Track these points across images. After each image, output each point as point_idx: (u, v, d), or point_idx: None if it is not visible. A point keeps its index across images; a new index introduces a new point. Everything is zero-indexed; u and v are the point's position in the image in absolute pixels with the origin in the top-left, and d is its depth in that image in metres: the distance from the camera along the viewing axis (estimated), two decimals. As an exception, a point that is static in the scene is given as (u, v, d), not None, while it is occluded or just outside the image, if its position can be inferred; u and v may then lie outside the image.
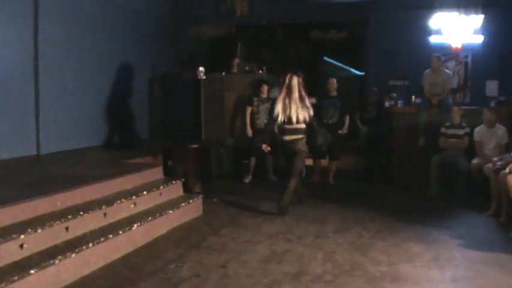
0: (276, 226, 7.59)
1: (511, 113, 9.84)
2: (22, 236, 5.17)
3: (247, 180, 10.95)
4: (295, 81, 8.39)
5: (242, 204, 8.95)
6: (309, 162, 11.39)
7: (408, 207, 9.08)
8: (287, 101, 8.36)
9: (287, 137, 8.41)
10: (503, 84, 11.89)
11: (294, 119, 8.33)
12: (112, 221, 6.55)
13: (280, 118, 8.38)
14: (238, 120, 11.21)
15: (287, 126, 8.38)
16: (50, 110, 9.30)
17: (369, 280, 5.57)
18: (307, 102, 8.46)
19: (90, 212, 6.23)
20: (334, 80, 10.84)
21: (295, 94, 8.35)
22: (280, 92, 8.58)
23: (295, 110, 8.34)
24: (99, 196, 6.83)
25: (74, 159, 9.30)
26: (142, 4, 12.27)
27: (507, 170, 7.57)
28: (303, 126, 8.43)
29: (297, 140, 8.37)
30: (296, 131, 8.39)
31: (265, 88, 10.93)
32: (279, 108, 8.39)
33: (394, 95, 11.27)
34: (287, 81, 8.41)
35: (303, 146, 8.43)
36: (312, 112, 8.50)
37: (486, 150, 9.29)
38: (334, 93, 10.70)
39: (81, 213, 6.07)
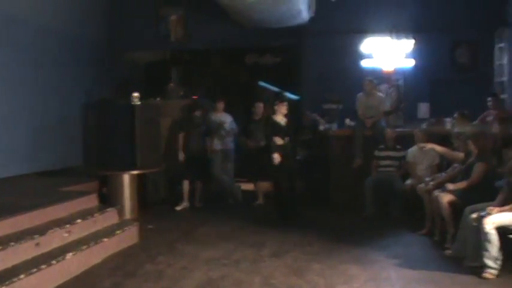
0: (213, 251, 7.53)
1: (441, 134, 10.08)
2: (-51, 269, 5.00)
3: (179, 208, 10.73)
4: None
5: (179, 231, 8.87)
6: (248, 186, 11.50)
7: (344, 228, 9.17)
8: None
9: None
10: (434, 106, 12.24)
11: None
12: (45, 250, 6.38)
13: None
14: (172, 146, 11.12)
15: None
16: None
17: (307, 303, 5.58)
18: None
19: (22, 242, 6.05)
20: (261, 105, 11.19)
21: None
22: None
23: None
24: (31, 225, 6.64)
25: (5, 187, 9.02)
26: (76, 29, 12.14)
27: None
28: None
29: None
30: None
31: (199, 113, 10.90)
32: None
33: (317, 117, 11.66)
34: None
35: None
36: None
37: (419, 171, 9.51)
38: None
39: (12, 243, 5.90)
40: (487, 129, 8.72)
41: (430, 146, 8.90)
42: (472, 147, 7.61)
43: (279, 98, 10.00)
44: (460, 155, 8.23)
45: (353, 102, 11.11)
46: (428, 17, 12.36)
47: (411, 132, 10.04)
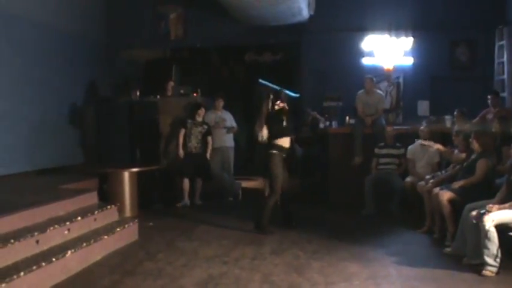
0: (213, 249, 7.54)
1: (441, 131, 10.10)
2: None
3: (179, 205, 10.74)
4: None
5: (178, 228, 8.87)
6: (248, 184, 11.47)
7: (344, 226, 9.17)
8: None
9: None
10: (433, 104, 12.23)
11: None
12: (45, 248, 6.37)
13: None
14: (172, 144, 11.12)
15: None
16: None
17: (306, 301, 5.58)
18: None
19: (22, 239, 6.04)
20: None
21: None
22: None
23: None
24: (31, 223, 6.63)
25: (4, 185, 9.02)
26: (75, 27, 12.13)
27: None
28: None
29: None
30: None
31: (202, 112, 10.90)
32: None
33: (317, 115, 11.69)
34: None
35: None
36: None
37: (418, 168, 9.54)
38: None
39: (12, 241, 5.89)
40: (487, 127, 8.71)
41: (436, 146, 8.88)
42: (475, 145, 7.59)
43: (279, 97, 8.99)
44: (462, 156, 8.21)
45: (353, 100, 11.15)
46: (428, 15, 12.35)
47: (411, 130, 10.05)
